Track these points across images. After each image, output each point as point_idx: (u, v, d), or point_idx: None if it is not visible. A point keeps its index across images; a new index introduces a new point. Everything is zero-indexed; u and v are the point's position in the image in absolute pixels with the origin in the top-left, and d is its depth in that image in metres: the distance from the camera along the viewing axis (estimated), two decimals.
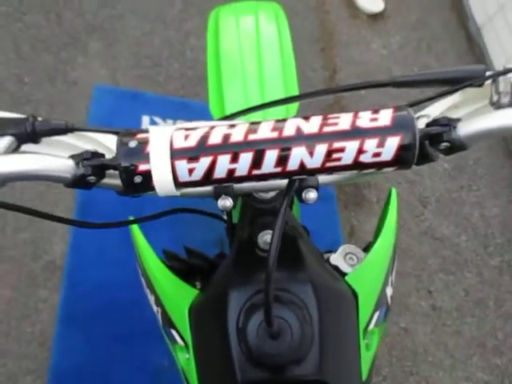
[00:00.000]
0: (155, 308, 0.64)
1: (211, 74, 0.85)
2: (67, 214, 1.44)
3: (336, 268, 0.61)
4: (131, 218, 0.53)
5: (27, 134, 0.40)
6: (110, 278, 1.39)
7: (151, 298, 0.65)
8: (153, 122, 1.68)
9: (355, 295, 0.57)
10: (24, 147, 0.41)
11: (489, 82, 0.44)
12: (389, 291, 0.63)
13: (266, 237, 0.56)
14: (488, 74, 0.44)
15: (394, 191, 0.69)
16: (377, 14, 2.18)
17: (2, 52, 1.69)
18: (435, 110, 0.49)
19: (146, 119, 1.68)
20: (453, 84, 0.45)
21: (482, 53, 2.07)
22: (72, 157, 0.40)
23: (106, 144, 0.46)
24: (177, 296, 0.60)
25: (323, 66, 2.00)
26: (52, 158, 0.38)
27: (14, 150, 0.40)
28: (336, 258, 0.62)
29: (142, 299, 0.70)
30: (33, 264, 1.38)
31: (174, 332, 0.59)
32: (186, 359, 0.58)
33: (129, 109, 1.69)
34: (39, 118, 0.40)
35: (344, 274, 0.60)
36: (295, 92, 0.85)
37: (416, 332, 1.55)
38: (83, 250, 1.42)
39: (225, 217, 0.69)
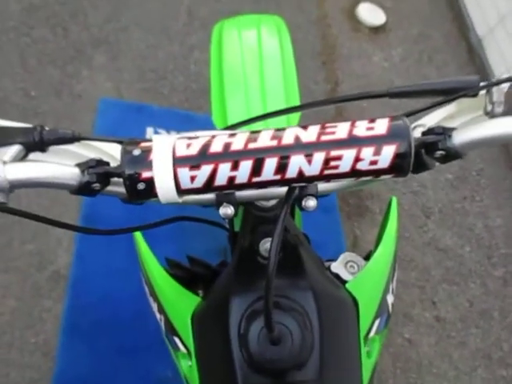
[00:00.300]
0: (158, 316, 0.65)
1: (214, 85, 0.86)
2: None
3: (337, 276, 0.62)
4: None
5: (35, 143, 0.41)
6: (114, 288, 1.40)
7: (154, 306, 0.66)
8: (157, 134, 1.69)
9: (356, 302, 0.57)
10: (32, 155, 0.42)
11: (483, 92, 0.45)
12: (389, 299, 0.64)
13: (267, 244, 0.57)
14: (482, 84, 0.45)
15: (394, 200, 0.70)
16: (378, 27, 2.21)
17: (9, 66, 1.72)
18: (431, 119, 0.50)
19: (150, 131, 1.70)
20: (448, 94, 0.46)
21: (483, 63, 2.09)
22: (78, 165, 0.41)
23: (111, 153, 0.47)
24: (179, 303, 0.60)
25: (325, 79, 2.02)
26: (58, 165, 0.40)
27: (22, 158, 0.41)
28: (337, 266, 0.63)
29: (146, 310, 0.71)
30: (37, 274, 1.39)
31: (176, 339, 0.60)
32: (188, 366, 0.59)
33: (133, 121, 1.71)
34: (46, 128, 0.42)
35: (345, 282, 0.60)
36: (297, 103, 0.86)
37: (420, 343, 1.55)
38: (88, 261, 1.43)
39: (227, 225, 0.70)
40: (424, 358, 1.52)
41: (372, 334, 0.58)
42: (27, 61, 1.76)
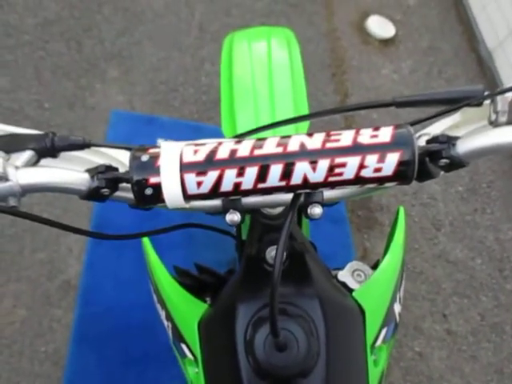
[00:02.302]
0: (166, 323, 0.65)
1: (224, 95, 0.87)
2: (80, 238, 1.47)
3: (344, 284, 0.62)
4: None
5: (47, 149, 0.42)
6: (123, 298, 1.41)
7: (162, 314, 0.66)
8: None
9: (362, 311, 0.57)
10: (43, 161, 0.43)
11: (488, 101, 0.46)
12: (397, 308, 0.63)
13: (273, 252, 0.57)
14: (486, 93, 0.45)
15: (401, 209, 0.70)
16: (388, 40, 2.22)
17: (24, 79, 1.76)
18: (436, 128, 0.50)
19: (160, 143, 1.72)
20: (453, 104, 0.46)
21: (493, 76, 2.09)
22: (88, 170, 0.42)
23: (120, 159, 0.48)
24: (187, 310, 0.61)
25: (335, 91, 2.03)
26: (69, 171, 0.41)
27: (34, 163, 0.42)
28: (344, 275, 0.63)
29: (155, 320, 0.71)
30: (48, 284, 1.40)
31: (183, 346, 0.60)
32: (195, 373, 0.59)
33: (144, 133, 1.73)
34: (58, 135, 0.43)
35: (352, 290, 0.60)
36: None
37: (431, 357, 1.53)
38: (98, 271, 1.44)
39: (234, 233, 0.70)
40: (435, 372, 1.50)
41: (379, 342, 0.58)
42: (42, 74, 1.79)
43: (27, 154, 0.41)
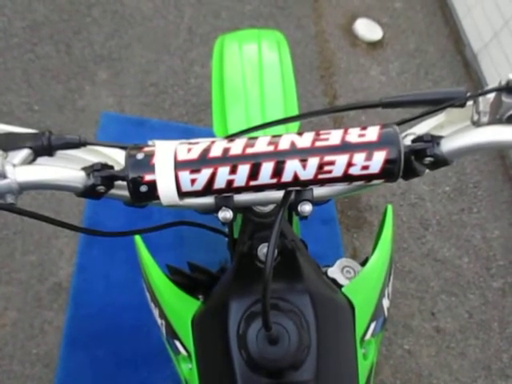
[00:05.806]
0: (159, 321, 0.66)
1: (215, 97, 0.88)
2: (74, 237, 1.48)
3: (333, 280, 0.64)
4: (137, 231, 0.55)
5: (43, 148, 0.43)
6: (115, 300, 1.41)
7: (155, 312, 0.67)
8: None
9: (352, 306, 0.59)
10: (40, 160, 0.44)
11: (471, 102, 0.47)
12: (385, 303, 0.65)
13: (265, 249, 0.58)
14: (468, 94, 0.47)
15: (389, 207, 0.72)
16: (376, 42, 2.25)
17: (13, 81, 1.76)
18: (421, 128, 0.52)
19: None
20: (437, 104, 0.48)
21: (479, 78, 2.12)
22: (83, 168, 0.43)
23: (115, 158, 0.49)
24: (180, 308, 0.62)
25: (323, 93, 2.05)
26: (65, 169, 0.42)
27: (31, 161, 0.43)
28: (333, 271, 0.65)
29: (147, 321, 0.72)
30: (39, 286, 1.40)
31: (177, 343, 0.61)
32: (188, 369, 0.60)
33: (134, 135, 1.74)
34: (54, 134, 0.44)
35: (341, 286, 0.62)
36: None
37: (420, 354, 1.55)
38: (89, 273, 1.44)
39: (226, 232, 0.71)
40: (424, 369, 1.53)
41: (368, 336, 0.60)
42: (31, 76, 1.79)
43: (24, 153, 0.42)
